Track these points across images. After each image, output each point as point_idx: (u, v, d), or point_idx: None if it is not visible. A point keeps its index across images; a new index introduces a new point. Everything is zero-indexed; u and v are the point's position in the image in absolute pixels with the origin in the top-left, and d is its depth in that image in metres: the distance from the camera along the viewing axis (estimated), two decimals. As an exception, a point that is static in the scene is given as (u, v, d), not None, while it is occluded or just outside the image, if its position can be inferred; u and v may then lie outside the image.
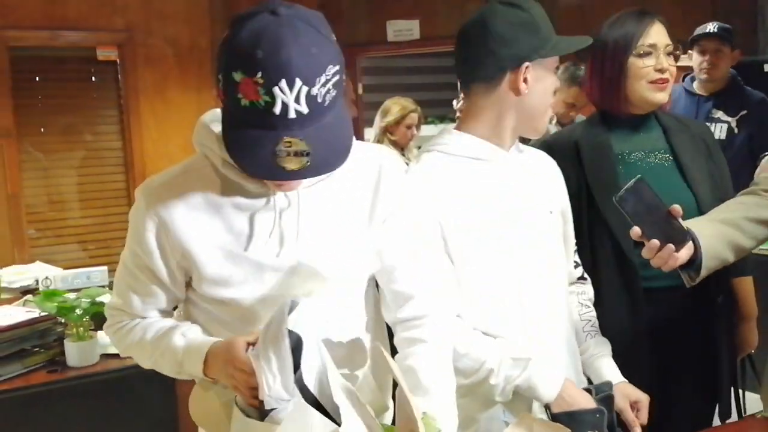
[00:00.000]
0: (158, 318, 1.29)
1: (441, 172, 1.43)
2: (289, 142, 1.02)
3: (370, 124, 4.27)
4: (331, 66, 1.03)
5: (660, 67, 1.70)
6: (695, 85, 3.33)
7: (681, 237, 1.40)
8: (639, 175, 1.39)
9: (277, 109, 1.00)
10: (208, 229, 1.19)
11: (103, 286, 2.58)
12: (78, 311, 2.11)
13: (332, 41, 1.06)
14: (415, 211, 1.34)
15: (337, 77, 1.04)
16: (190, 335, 1.22)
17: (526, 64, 1.39)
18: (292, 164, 1.02)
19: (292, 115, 1.01)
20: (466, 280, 1.42)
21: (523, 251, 1.45)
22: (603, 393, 1.44)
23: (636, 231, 1.37)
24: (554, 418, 1.38)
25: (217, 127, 1.20)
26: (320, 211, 1.22)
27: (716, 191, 1.74)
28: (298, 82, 0.99)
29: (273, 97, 1.00)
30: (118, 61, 4.73)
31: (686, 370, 1.75)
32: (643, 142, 1.78)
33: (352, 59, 5.68)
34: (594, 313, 1.62)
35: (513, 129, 1.47)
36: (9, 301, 2.59)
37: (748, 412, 1.92)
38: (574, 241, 1.61)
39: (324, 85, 1.02)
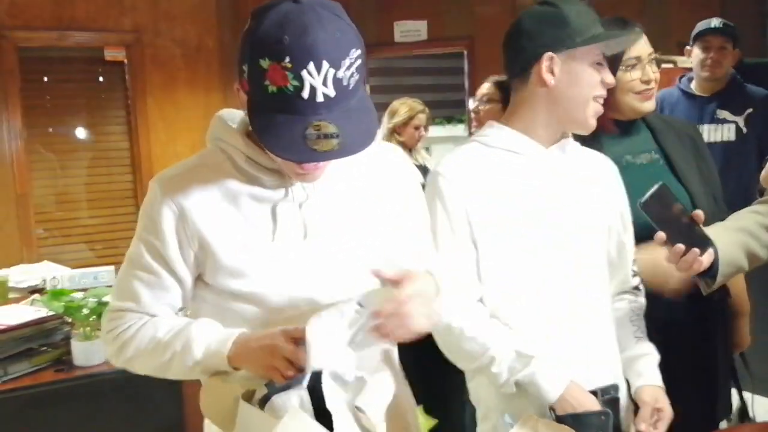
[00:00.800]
0: (168, 315, 1.25)
1: (473, 162, 1.47)
2: (318, 125, 1.03)
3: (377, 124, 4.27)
4: (354, 50, 1.05)
5: (646, 78, 1.73)
6: (693, 85, 3.15)
7: (703, 242, 1.40)
8: (661, 182, 1.40)
9: (306, 93, 1.02)
10: (226, 220, 1.19)
11: (110, 286, 2.59)
12: (85, 311, 2.12)
13: (352, 26, 1.08)
14: (422, 210, 1.35)
15: (359, 61, 1.06)
16: (212, 327, 1.19)
17: (549, 54, 1.42)
18: (322, 146, 1.04)
19: (320, 98, 1.03)
20: (486, 274, 1.45)
21: (546, 251, 1.45)
22: (608, 396, 1.43)
23: (660, 236, 1.38)
24: (559, 420, 1.38)
25: (235, 124, 1.23)
26: (336, 205, 1.24)
27: (707, 187, 1.76)
28: (326, 65, 1.01)
29: (301, 81, 1.01)
30: (125, 61, 4.75)
31: (686, 370, 1.73)
32: (632, 145, 1.79)
33: (360, 60, 5.68)
34: (643, 322, 1.60)
35: (548, 123, 1.48)
36: (17, 301, 2.60)
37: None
38: (632, 249, 1.59)
39: (348, 68, 1.04)
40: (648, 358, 1.55)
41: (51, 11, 4.46)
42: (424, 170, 3.86)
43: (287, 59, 1.01)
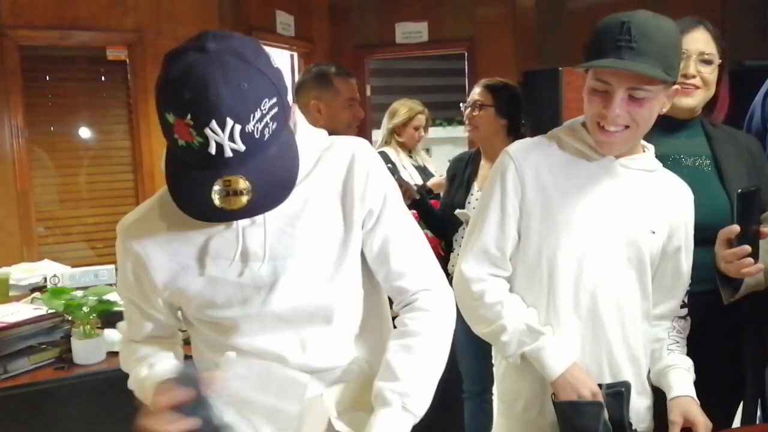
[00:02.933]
0: (157, 343, 1.33)
1: (542, 154, 1.53)
2: (228, 180, 0.99)
3: (378, 126, 4.28)
4: (267, 100, 0.99)
5: (686, 72, 1.70)
6: None
7: (756, 256, 1.45)
8: (758, 185, 1.45)
9: (212, 149, 0.97)
10: (183, 257, 1.19)
11: (110, 285, 2.59)
12: (85, 309, 2.12)
13: (267, 73, 1.01)
14: (398, 208, 1.27)
15: (275, 110, 1.01)
16: (156, 367, 1.27)
17: (582, 71, 1.47)
18: (232, 204, 1.00)
19: (228, 153, 0.98)
20: (525, 254, 1.52)
21: (584, 255, 1.48)
22: (614, 389, 1.47)
23: (735, 229, 1.41)
24: (556, 406, 1.45)
25: None
26: (290, 221, 1.18)
27: None
28: (230, 122, 0.96)
29: (206, 138, 0.97)
30: (127, 61, 4.75)
31: (709, 373, 1.72)
32: (684, 146, 1.78)
33: (361, 61, 5.69)
34: (683, 340, 1.61)
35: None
36: (17, 299, 2.60)
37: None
38: (687, 281, 1.60)
39: (260, 120, 0.99)
40: (677, 369, 1.55)
41: (53, 10, 4.46)
42: (423, 171, 3.87)
43: (189, 116, 0.96)
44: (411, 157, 3.88)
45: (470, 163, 2.89)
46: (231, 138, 0.97)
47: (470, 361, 2.82)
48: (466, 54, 5.72)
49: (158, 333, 1.32)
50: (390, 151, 3.75)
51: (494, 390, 2.87)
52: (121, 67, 4.78)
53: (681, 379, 1.53)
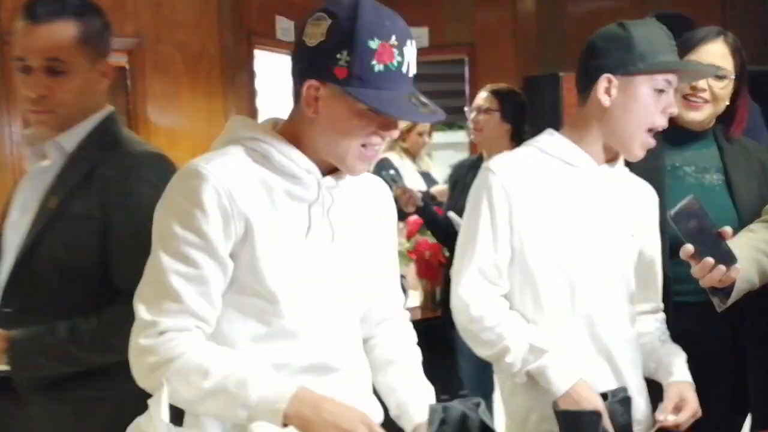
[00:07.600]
0: (212, 319, 1.19)
1: (525, 165, 1.53)
2: (414, 96, 1.20)
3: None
4: None
5: (695, 84, 1.70)
6: None
7: (729, 258, 1.41)
8: (692, 194, 1.41)
9: (405, 68, 1.19)
10: (265, 210, 1.18)
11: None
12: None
13: None
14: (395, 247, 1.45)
15: None
16: (266, 372, 1.16)
17: (607, 76, 1.45)
18: (427, 110, 1.20)
19: (411, 73, 1.20)
20: (520, 268, 1.51)
21: (578, 262, 1.50)
22: (619, 395, 1.47)
23: (688, 249, 1.38)
24: (557, 414, 1.45)
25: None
26: (351, 216, 1.29)
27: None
28: (414, 43, 1.20)
29: (403, 57, 1.18)
30: (127, 67, 4.75)
31: (712, 385, 1.71)
32: (696, 158, 1.78)
33: (361, 66, 5.69)
34: (668, 334, 1.66)
35: (599, 141, 1.52)
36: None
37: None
38: (659, 279, 1.64)
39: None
40: (675, 357, 1.59)
41: (53, 17, 4.47)
42: (427, 178, 3.87)
43: (393, 38, 1.16)
44: (415, 162, 3.89)
45: (472, 168, 2.90)
46: (414, 58, 1.20)
47: (472, 366, 2.82)
48: (466, 59, 5.72)
49: (217, 298, 1.17)
50: (394, 156, 3.75)
51: (496, 407, 2.87)
52: (120, 73, 4.77)
53: (681, 366, 1.57)
